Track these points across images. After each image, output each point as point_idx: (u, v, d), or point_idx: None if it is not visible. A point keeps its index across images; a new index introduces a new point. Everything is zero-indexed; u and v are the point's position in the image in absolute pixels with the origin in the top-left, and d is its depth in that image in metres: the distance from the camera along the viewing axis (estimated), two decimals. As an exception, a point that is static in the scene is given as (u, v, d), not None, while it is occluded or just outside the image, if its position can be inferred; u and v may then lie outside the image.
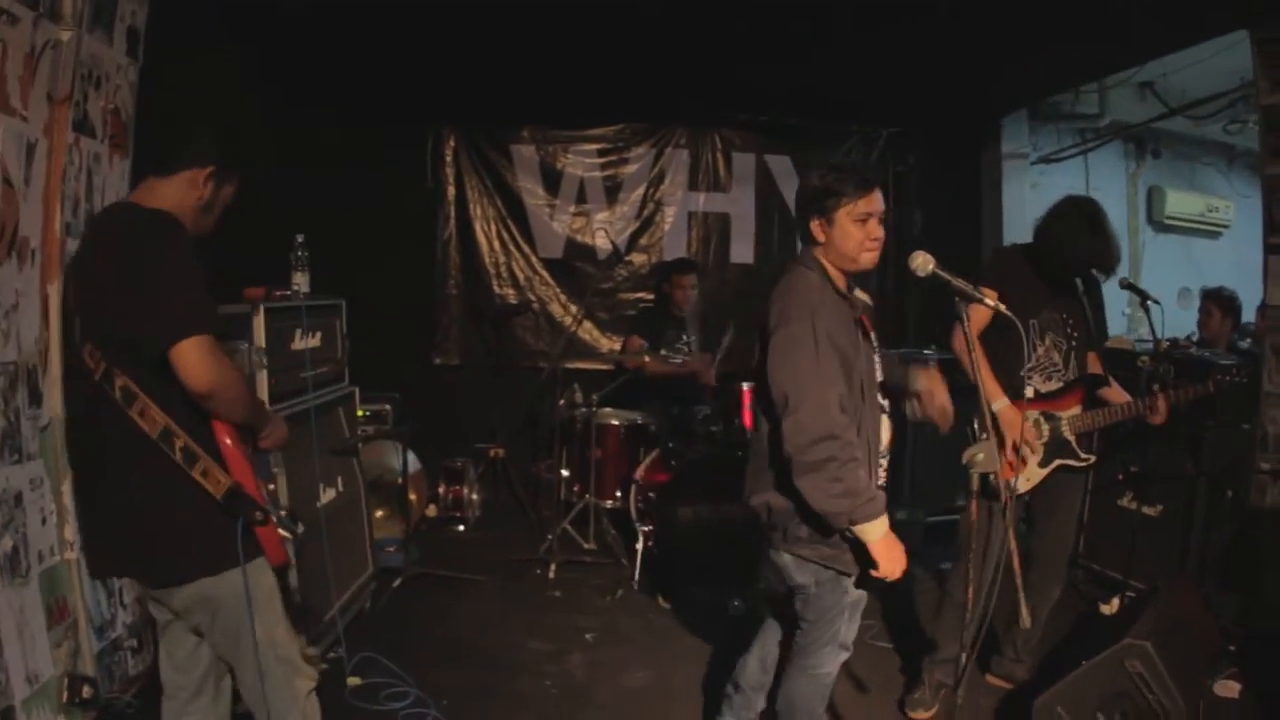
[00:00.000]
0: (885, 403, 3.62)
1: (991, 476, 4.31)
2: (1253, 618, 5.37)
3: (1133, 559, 5.69)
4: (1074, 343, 4.67)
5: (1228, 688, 4.89)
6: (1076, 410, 4.67)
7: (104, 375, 2.85)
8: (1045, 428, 4.61)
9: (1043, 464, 4.64)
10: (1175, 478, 5.98)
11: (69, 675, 4.03)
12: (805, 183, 3.57)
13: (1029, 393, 4.57)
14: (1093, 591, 6.27)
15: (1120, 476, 6.23)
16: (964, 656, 3.30)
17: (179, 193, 3.05)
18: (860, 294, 3.71)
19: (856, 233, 3.43)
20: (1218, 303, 7.41)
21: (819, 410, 3.25)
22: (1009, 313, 3.28)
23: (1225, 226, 10.76)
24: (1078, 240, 4.38)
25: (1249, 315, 7.47)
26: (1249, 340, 7.38)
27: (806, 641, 3.75)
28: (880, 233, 3.47)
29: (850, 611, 3.70)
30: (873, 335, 3.65)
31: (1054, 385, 4.66)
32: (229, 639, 3.12)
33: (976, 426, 4.42)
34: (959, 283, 3.25)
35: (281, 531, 3.06)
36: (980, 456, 3.12)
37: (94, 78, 4.21)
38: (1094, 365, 4.84)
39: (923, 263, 3.20)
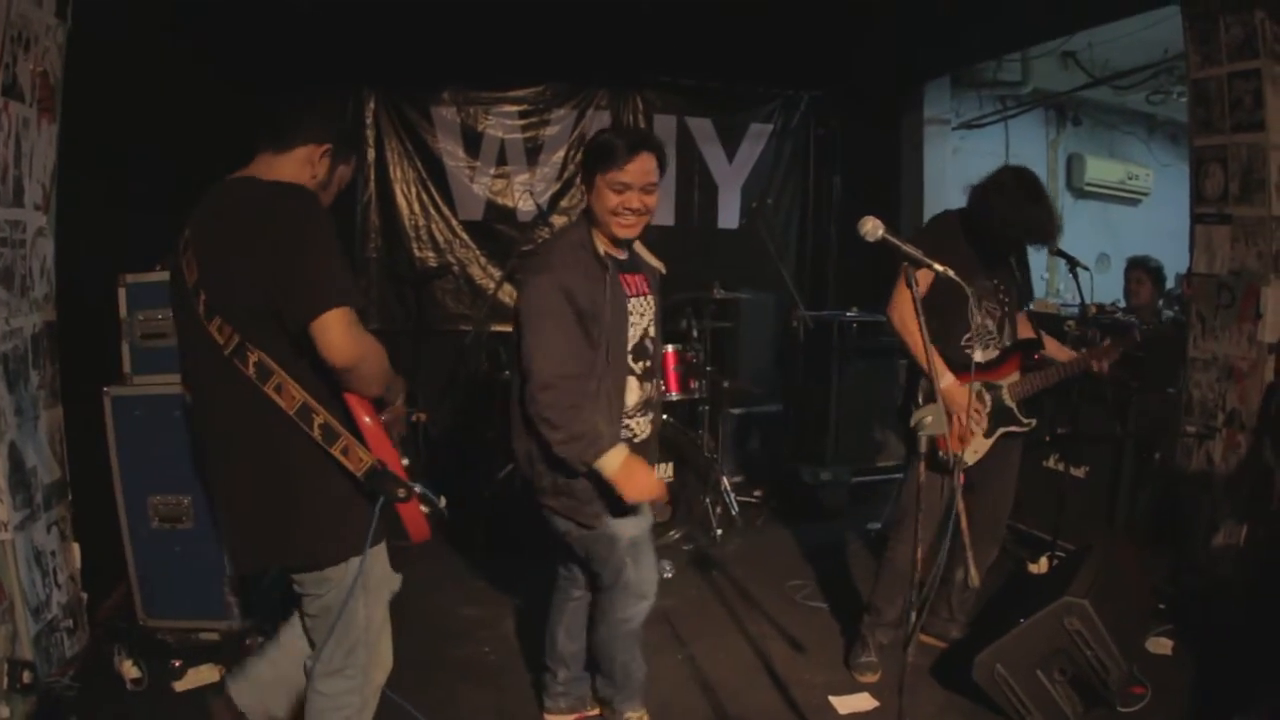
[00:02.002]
0: (639, 365, 3.73)
1: (940, 452, 4.36)
2: (1181, 576, 5.48)
3: (1060, 519, 5.77)
4: (1006, 309, 4.69)
5: (1161, 644, 5.02)
6: (1015, 377, 4.70)
7: (235, 350, 2.77)
8: (988, 398, 4.62)
9: (988, 434, 4.65)
10: (1102, 439, 6.08)
11: (9, 660, 3.91)
12: (589, 142, 3.67)
13: (976, 358, 4.57)
14: (1020, 551, 6.36)
15: (1047, 438, 6.31)
16: (913, 616, 3.31)
17: (296, 169, 3.01)
18: (647, 257, 3.90)
19: (610, 200, 3.49)
20: (1147, 271, 7.51)
21: (543, 361, 3.41)
22: (960, 279, 3.20)
23: (1144, 194, 10.96)
24: (1019, 212, 4.35)
25: (1171, 282, 7.62)
26: (1176, 308, 7.52)
27: (597, 590, 3.97)
28: (638, 204, 3.51)
29: (632, 556, 3.78)
30: (647, 298, 3.80)
31: (991, 354, 4.66)
32: (331, 612, 3.05)
33: (921, 395, 4.47)
34: (908, 248, 3.14)
35: (423, 508, 2.97)
36: (929, 419, 3.15)
37: (23, 39, 4.05)
38: (1024, 328, 4.88)
39: (872, 228, 3.08)
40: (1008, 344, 4.70)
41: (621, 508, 3.62)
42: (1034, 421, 4.78)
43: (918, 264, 3.11)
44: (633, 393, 3.71)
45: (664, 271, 3.93)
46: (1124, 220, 10.82)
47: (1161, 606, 5.29)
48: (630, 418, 3.74)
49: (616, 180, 3.44)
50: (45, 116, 4.33)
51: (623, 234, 3.56)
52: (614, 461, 3.45)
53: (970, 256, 4.51)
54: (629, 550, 3.74)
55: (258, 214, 2.79)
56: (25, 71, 4.11)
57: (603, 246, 3.61)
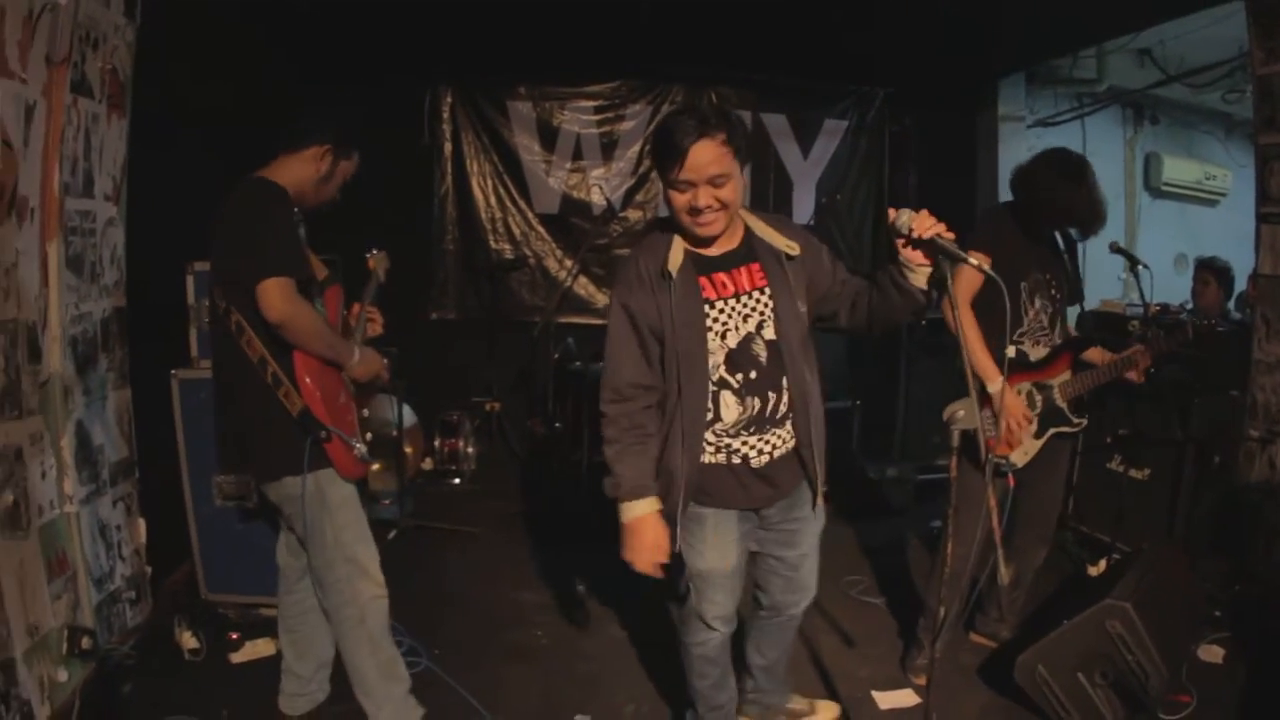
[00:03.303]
0: (737, 377, 3.29)
1: (989, 454, 4.31)
2: (1238, 583, 5.41)
3: (1120, 522, 5.72)
4: (1058, 304, 4.61)
5: (1212, 652, 4.92)
6: (1067, 375, 4.63)
7: (224, 312, 3.55)
8: (1038, 398, 4.55)
9: (1038, 435, 4.57)
10: (1163, 442, 5.99)
11: (69, 627, 4.10)
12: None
13: (1011, 352, 4.50)
14: (1080, 553, 6.30)
15: (1109, 440, 6.26)
16: (943, 611, 3.32)
17: (302, 166, 3.71)
18: (771, 237, 3.35)
19: (678, 201, 3.14)
20: (1213, 272, 7.41)
21: (610, 375, 3.31)
22: (996, 276, 3.00)
23: (1222, 194, 10.80)
24: (1058, 194, 4.29)
25: (1242, 284, 7.50)
26: (1247, 310, 7.41)
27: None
28: (707, 200, 3.10)
29: (697, 585, 3.56)
30: (754, 294, 3.31)
31: (1043, 351, 4.59)
32: (309, 533, 3.70)
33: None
34: (944, 243, 2.99)
35: (357, 448, 3.69)
36: (961, 414, 3.09)
37: (91, 39, 4.22)
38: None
39: (907, 219, 2.98)
40: (1059, 341, 4.63)
41: (698, 541, 3.45)
42: (1084, 421, 4.71)
43: (954, 259, 2.97)
44: (729, 409, 3.29)
45: (793, 251, 3.32)
46: (1202, 221, 10.66)
47: (1217, 614, 5.19)
48: (733, 437, 3.33)
49: (677, 180, 3.07)
50: (115, 112, 4.51)
51: (704, 233, 3.19)
52: (627, 513, 3.28)
53: (1023, 249, 4.44)
54: (699, 580, 3.54)
55: (234, 206, 3.52)
56: (94, 69, 4.28)
57: (682, 249, 3.26)
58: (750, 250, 3.34)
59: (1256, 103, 5.51)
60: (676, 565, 3.47)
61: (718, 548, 3.47)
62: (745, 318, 3.29)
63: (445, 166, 8.91)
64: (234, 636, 4.73)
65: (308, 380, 3.54)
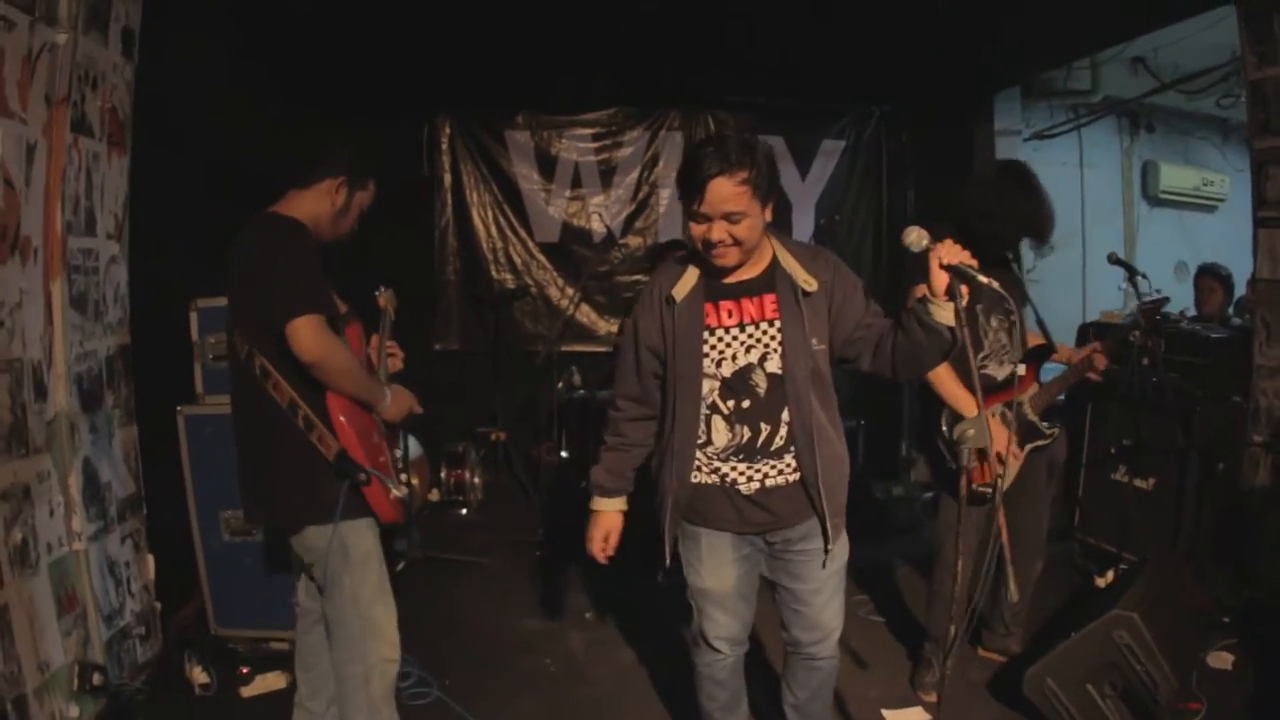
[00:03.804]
0: (728, 404, 3.30)
1: (975, 485, 4.31)
2: (1246, 590, 5.40)
3: (1127, 532, 5.74)
4: (1013, 318, 4.59)
5: (1221, 659, 4.92)
6: (1034, 389, 4.65)
7: (247, 356, 3.41)
8: (1011, 418, 4.51)
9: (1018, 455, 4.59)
10: (1167, 451, 5.99)
11: (79, 663, 4.11)
12: None
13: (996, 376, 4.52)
14: (1087, 564, 6.30)
15: (1113, 450, 6.27)
16: (953, 630, 3.33)
17: (316, 201, 3.58)
18: (794, 269, 3.27)
19: (694, 230, 3.15)
20: (1218, 279, 7.43)
21: (616, 386, 3.58)
22: (1002, 291, 2.97)
23: (1220, 200, 10.81)
24: (1013, 208, 4.28)
25: (1242, 289, 7.51)
26: (1246, 316, 7.42)
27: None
28: (720, 235, 3.09)
29: (697, 603, 3.63)
30: (763, 325, 3.29)
31: (1007, 369, 4.56)
32: (328, 582, 3.55)
33: (944, 423, 4.46)
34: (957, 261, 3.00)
35: (394, 492, 3.52)
36: (971, 432, 3.04)
37: (90, 78, 4.27)
38: (1031, 337, 4.78)
39: (917, 238, 3.02)
40: (1018, 356, 4.62)
41: (695, 560, 3.55)
42: (1057, 430, 4.72)
43: (964, 278, 2.95)
44: (719, 434, 3.31)
45: (810, 287, 3.24)
46: (1201, 227, 10.67)
47: (1225, 620, 5.19)
48: (722, 461, 3.33)
49: (695, 211, 3.09)
50: (115, 150, 4.55)
51: (718, 264, 3.19)
52: (592, 505, 3.65)
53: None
54: (699, 597, 3.60)
55: (253, 245, 3.42)
56: (94, 108, 4.31)
57: (696, 275, 3.30)
58: (770, 281, 3.31)
59: (1250, 108, 5.54)
60: (673, 576, 3.66)
61: (713, 568, 3.51)
62: (748, 348, 3.29)
63: (445, 197, 8.97)
64: (244, 671, 4.75)
65: (342, 420, 3.39)
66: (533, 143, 9.01)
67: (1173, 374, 5.82)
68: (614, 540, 3.64)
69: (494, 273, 9.11)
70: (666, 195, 9.26)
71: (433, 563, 6.55)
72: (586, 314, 9.26)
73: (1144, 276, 5.11)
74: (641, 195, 9.24)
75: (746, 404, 3.29)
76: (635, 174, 9.21)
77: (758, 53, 7.59)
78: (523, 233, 9.12)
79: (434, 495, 7.89)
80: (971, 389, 3.92)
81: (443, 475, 7.90)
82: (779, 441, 3.31)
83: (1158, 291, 5.24)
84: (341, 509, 3.37)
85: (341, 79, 7.25)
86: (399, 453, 3.96)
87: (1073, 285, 9.84)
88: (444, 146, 8.88)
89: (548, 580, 6.40)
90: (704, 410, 3.32)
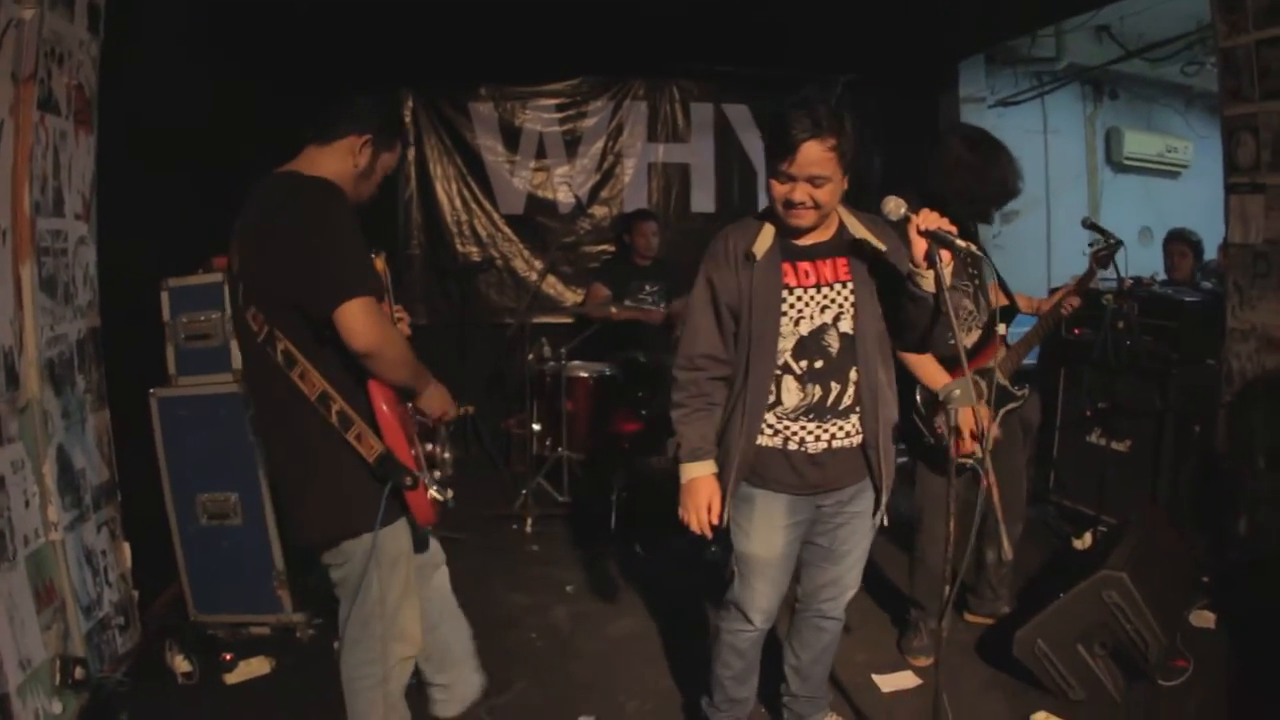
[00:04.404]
0: (801, 363, 3.34)
1: (958, 457, 4.33)
2: (1224, 549, 5.46)
3: (1103, 494, 5.77)
4: (977, 282, 4.57)
5: (1203, 618, 4.98)
6: (1002, 352, 4.66)
7: (266, 338, 2.99)
8: (983, 385, 4.45)
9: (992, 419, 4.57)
10: (1143, 413, 6.06)
11: (60, 658, 4.00)
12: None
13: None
14: (1064, 527, 6.35)
15: (1088, 413, 6.30)
16: (947, 590, 3.32)
17: (338, 160, 3.20)
18: (863, 233, 3.35)
19: (776, 190, 3.20)
20: (1189, 244, 7.47)
21: (687, 345, 3.47)
22: (982, 254, 3.11)
23: (1184, 166, 10.90)
24: (987, 177, 4.30)
25: (1211, 254, 7.56)
26: (1214, 280, 7.46)
27: None
28: (802, 197, 3.14)
29: (740, 570, 3.63)
30: (835, 286, 3.34)
31: (975, 335, 4.59)
32: (348, 585, 3.24)
33: (918, 395, 4.52)
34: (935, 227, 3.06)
35: (434, 494, 3.16)
36: (956, 393, 3.06)
37: (57, 54, 4.12)
38: (995, 294, 4.74)
39: (894, 207, 3.05)
40: (984, 320, 4.61)
41: (745, 522, 3.53)
42: (1026, 391, 4.74)
43: (943, 243, 2.99)
44: (790, 394, 3.35)
45: (880, 248, 3.34)
46: (1164, 193, 10.74)
47: (1205, 579, 5.25)
48: (792, 421, 3.38)
49: (782, 171, 3.12)
50: (82, 128, 4.42)
51: (794, 224, 3.23)
52: (685, 474, 3.44)
53: None
54: (739, 563, 3.61)
55: (282, 209, 3.00)
56: (60, 85, 4.18)
57: (772, 234, 3.33)
58: (840, 245, 3.38)
59: (1221, 75, 5.57)
60: (724, 547, 3.68)
61: (764, 531, 3.51)
62: (823, 308, 3.34)
63: (409, 171, 8.84)
64: (227, 657, 4.65)
65: (386, 411, 3.02)
66: (496, 114, 8.91)
67: (1146, 337, 5.84)
68: (717, 506, 3.42)
69: (459, 245, 9.02)
70: (631, 165, 9.24)
71: (408, 540, 6.46)
72: (553, 285, 9.19)
73: (1120, 242, 5.09)
74: (606, 165, 9.19)
75: (820, 364, 3.34)
76: (600, 144, 9.15)
77: (723, 22, 7.53)
78: (487, 205, 9.02)
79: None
80: (955, 354, 3.97)
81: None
82: (847, 401, 3.37)
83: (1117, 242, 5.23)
84: (384, 515, 3.04)
85: (304, 53, 7.15)
86: (430, 448, 3.53)
87: (1038, 251, 9.90)
88: (407, 120, 8.76)
89: (527, 554, 6.38)
90: (776, 370, 3.35)
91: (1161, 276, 7.59)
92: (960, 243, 2.95)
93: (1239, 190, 5.56)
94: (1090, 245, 5.21)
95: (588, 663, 4.90)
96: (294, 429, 3.07)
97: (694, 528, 3.42)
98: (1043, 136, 9.94)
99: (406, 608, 3.38)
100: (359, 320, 2.84)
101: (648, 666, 4.83)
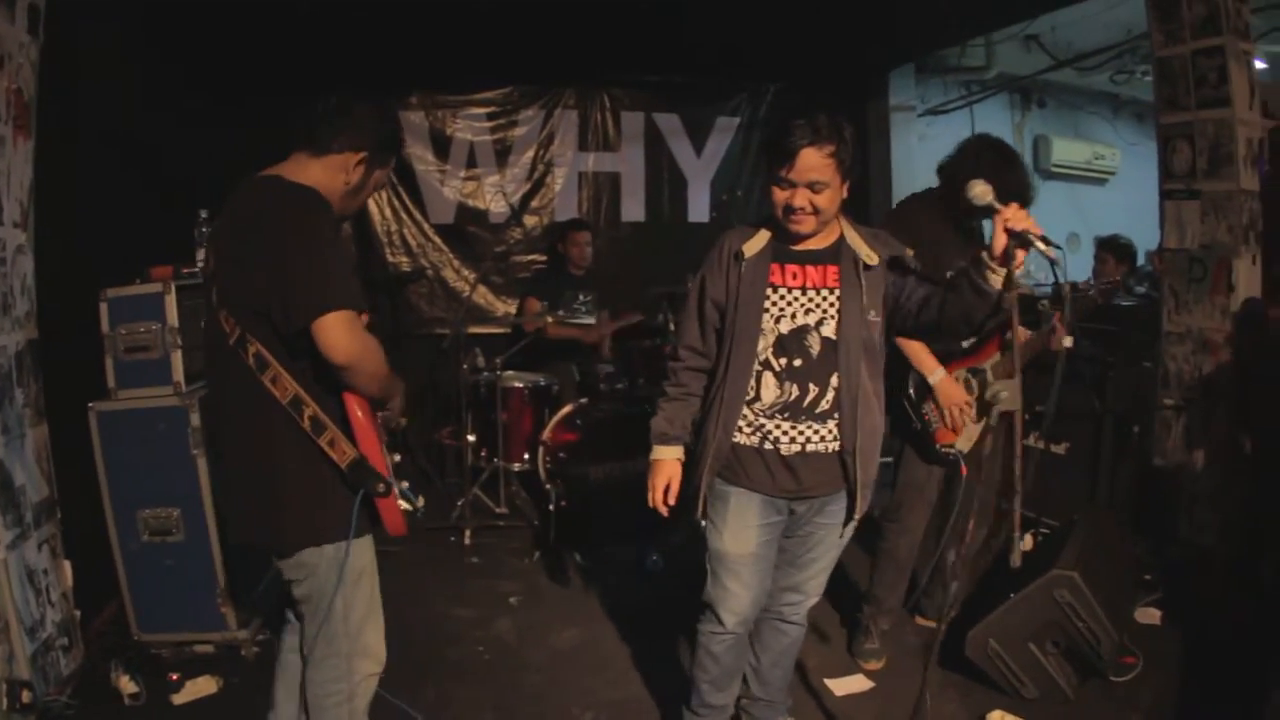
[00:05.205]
0: (780, 361, 3.41)
1: (938, 445, 4.41)
2: (1166, 548, 5.55)
3: (1043, 497, 5.82)
4: None
5: (1149, 614, 5.09)
6: (997, 357, 4.72)
7: (238, 341, 2.92)
8: (974, 384, 4.65)
9: (978, 419, 4.65)
10: (1081, 416, 6.14)
11: (7, 681, 3.90)
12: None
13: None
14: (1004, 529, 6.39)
15: (1026, 416, 6.35)
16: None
17: (329, 173, 3.09)
18: (857, 244, 3.42)
19: (776, 196, 3.30)
20: (1111, 250, 7.59)
21: (677, 338, 3.69)
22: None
23: (1111, 173, 11.14)
24: (999, 180, 4.35)
25: (1141, 260, 7.70)
26: (1146, 284, 7.60)
27: None
28: (802, 203, 3.23)
29: (713, 567, 3.69)
30: (822, 291, 3.42)
31: (973, 337, 4.68)
32: (312, 600, 3.17)
33: (912, 387, 4.58)
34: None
35: (403, 504, 3.08)
36: (1004, 394, 3.09)
37: (-4, 58, 4.01)
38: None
39: (981, 192, 3.08)
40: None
41: (719, 519, 3.61)
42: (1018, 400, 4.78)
43: (1026, 244, 2.99)
44: (768, 389, 3.42)
45: (872, 261, 3.40)
46: (1092, 199, 10.94)
47: (1147, 577, 5.36)
48: (768, 418, 3.44)
49: (782, 177, 3.23)
50: (20, 134, 4.29)
51: (794, 229, 3.33)
52: (653, 454, 3.64)
53: (942, 236, 4.52)
54: (712, 561, 3.66)
55: (262, 215, 2.92)
56: (0, 89, 4.08)
57: (766, 237, 3.46)
58: (835, 254, 3.46)
59: (1157, 84, 5.70)
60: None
61: (736, 530, 3.56)
62: (807, 311, 3.42)
63: (338, 180, 8.73)
64: (174, 677, 4.52)
65: (361, 419, 2.97)
66: (427, 123, 8.85)
67: (1084, 340, 5.93)
68: (675, 488, 3.63)
69: (389, 255, 8.95)
70: (562, 174, 9.24)
71: (345, 553, 6.37)
72: (484, 295, 9.13)
73: (1059, 248, 5.13)
74: (537, 174, 9.17)
75: (798, 363, 3.41)
76: (531, 153, 9.13)
77: (652, 31, 7.53)
78: (417, 214, 8.97)
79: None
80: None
81: (345, 464, 7.69)
82: (825, 405, 3.42)
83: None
84: (357, 524, 2.99)
85: (235, 60, 7.04)
86: (398, 457, 3.35)
87: (964, 256, 9.99)
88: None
89: (467, 567, 6.33)
90: (756, 365, 3.43)
91: (1092, 281, 7.71)
92: (1041, 246, 2.95)
93: (1175, 196, 5.68)
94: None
95: (537, 674, 4.87)
96: (263, 434, 2.98)
97: (651, 504, 3.64)
98: (970, 145, 10.00)
99: (371, 624, 3.33)
100: (338, 334, 2.78)
101: (596, 676, 4.82)
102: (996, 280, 3.07)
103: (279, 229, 2.87)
